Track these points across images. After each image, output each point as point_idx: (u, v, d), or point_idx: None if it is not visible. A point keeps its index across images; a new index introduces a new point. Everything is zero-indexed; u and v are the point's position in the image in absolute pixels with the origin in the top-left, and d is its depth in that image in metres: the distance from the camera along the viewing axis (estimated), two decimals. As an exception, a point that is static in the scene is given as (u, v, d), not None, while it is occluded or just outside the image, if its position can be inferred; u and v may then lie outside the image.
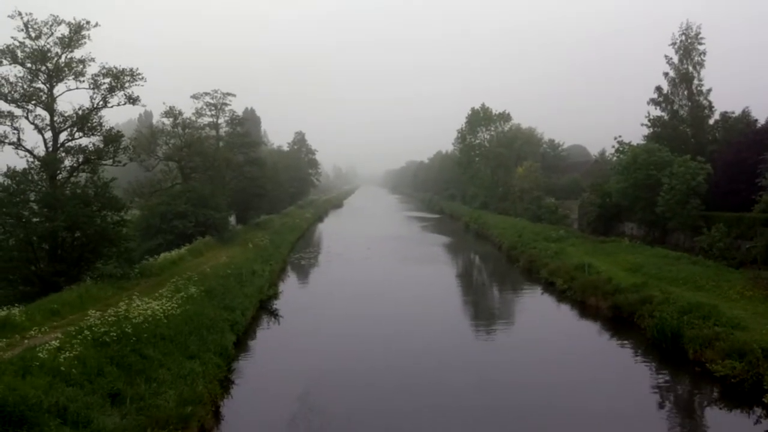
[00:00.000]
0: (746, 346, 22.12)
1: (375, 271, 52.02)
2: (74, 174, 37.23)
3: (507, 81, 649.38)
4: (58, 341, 19.61)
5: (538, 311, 37.63)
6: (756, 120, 55.09)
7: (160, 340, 22.78)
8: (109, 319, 22.52)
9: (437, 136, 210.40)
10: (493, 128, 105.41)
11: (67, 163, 37.15)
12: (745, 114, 56.64)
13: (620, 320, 31.97)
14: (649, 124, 61.06)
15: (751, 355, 21.50)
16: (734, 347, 22.57)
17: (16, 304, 25.64)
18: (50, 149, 36.37)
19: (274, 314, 36.01)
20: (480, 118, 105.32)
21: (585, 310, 35.33)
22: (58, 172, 36.30)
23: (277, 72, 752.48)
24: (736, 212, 42.92)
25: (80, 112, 36.98)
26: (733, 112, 57.41)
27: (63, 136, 36.99)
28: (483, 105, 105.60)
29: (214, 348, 24.47)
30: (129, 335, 21.56)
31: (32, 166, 35.35)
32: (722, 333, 24.06)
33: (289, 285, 47.99)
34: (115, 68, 38.35)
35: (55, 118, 36.49)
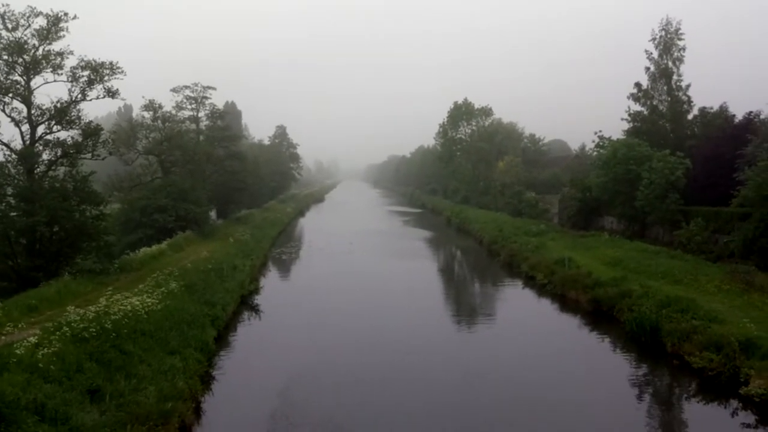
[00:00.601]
0: (723, 339, 22.42)
1: (357, 266, 51.99)
2: (52, 168, 36.76)
3: (491, 78, 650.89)
4: (35, 337, 19.37)
5: (518, 305, 37.87)
6: (734, 115, 55.71)
7: (140, 335, 22.60)
8: (89, 314, 22.25)
9: (419, 131, 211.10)
10: (474, 123, 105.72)
11: (45, 156, 36.67)
12: (723, 109, 57.30)
13: (600, 314, 32.25)
14: (629, 119, 61.56)
15: (728, 348, 21.81)
16: (711, 340, 22.87)
17: (-7, 300, 25.33)
18: (27, 142, 35.90)
19: (255, 309, 35.87)
20: (462, 112, 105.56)
21: (565, 304, 35.58)
22: (36, 165, 35.82)
23: (259, 66, 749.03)
24: (714, 206, 43.43)
25: (58, 105, 36.53)
26: (712, 108, 58.14)
27: (41, 130, 36.53)
28: (465, 99, 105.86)
29: (194, 343, 24.33)
30: (109, 331, 21.35)
31: (9, 159, 34.90)
32: (700, 326, 24.36)
33: (271, 280, 47.84)
34: (94, 61, 37.93)
35: (33, 111, 36.04)
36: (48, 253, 34.29)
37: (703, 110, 58.57)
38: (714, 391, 21.21)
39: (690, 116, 60.11)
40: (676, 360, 24.03)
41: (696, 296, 28.68)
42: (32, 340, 19.00)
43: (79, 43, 38.30)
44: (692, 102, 59.88)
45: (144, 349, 21.64)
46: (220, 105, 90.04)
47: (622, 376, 23.81)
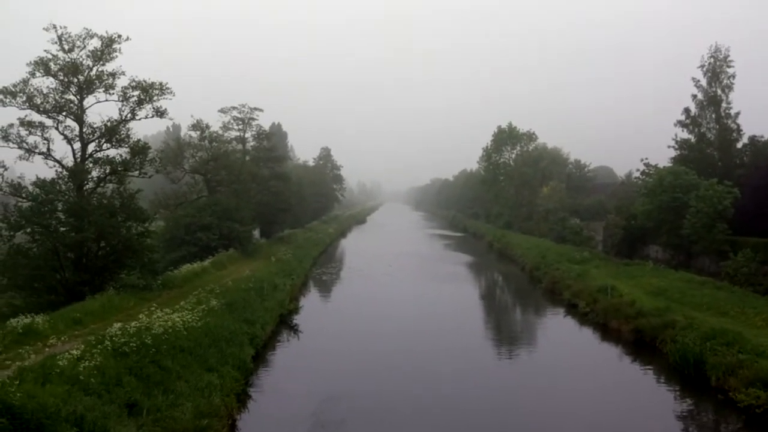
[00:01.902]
0: (772, 374, 21.69)
1: (397, 289, 51.90)
2: (101, 184, 37.78)
3: (536, 91, 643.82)
4: (78, 350, 19.83)
5: (560, 334, 37.27)
6: (785, 144, 54.33)
7: (179, 351, 22.92)
8: (130, 329, 22.70)
9: (464, 149, 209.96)
10: (518, 147, 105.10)
11: (95, 173, 37.72)
12: (774, 138, 55.92)
13: (642, 344, 31.55)
14: (676, 146, 60.54)
15: (777, 384, 21.08)
16: (759, 376, 22.10)
17: (41, 312, 25.97)
18: (78, 160, 36.99)
19: (293, 329, 36.06)
20: (506, 136, 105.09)
21: (607, 333, 34.91)
22: (86, 182, 36.86)
23: (304, 85, 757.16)
24: (764, 237, 42.25)
25: (109, 124, 37.61)
26: (762, 136, 56.70)
27: (91, 147, 37.62)
28: (510, 124, 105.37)
29: (232, 361, 24.55)
30: (149, 346, 21.72)
31: (61, 176, 35.97)
32: (746, 361, 23.59)
33: (310, 300, 48.07)
34: (144, 82, 38.95)
35: (84, 129, 37.15)
36: (94, 267, 35.14)
37: (753, 139, 57.25)
38: (761, 430, 20.46)
39: (739, 145, 58.79)
40: (720, 395, 23.29)
41: (743, 329, 27.84)
42: (75, 352, 19.45)
43: (128, 59, 39.42)
44: (741, 130, 58.59)
45: (182, 366, 21.90)
46: (267, 125, 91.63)
47: (664, 410, 23.17)
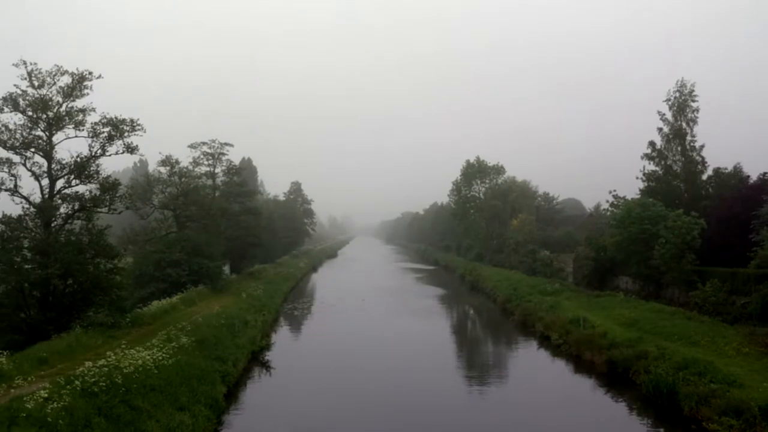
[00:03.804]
0: (743, 404, 21.91)
1: (369, 324, 51.63)
2: (69, 221, 37.19)
3: (506, 128, 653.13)
4: (46, 391, 19.32)
5: (532, 366, 37.31)
6: (748, 176, 55.70)
7: (150, 390, 22.46)
8: (99, 368, 22.20)
9: (434, 184, 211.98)
10: (487, 180, 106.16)
11: (63, 210, 37.12)
12: (737, 170, 57.41)
13: (615, 375, 31.68)
14: (644, 178, 61.77)
15: (748, 413, 21.29)
16: (731, 405, 22.34)
17: (4, 352, 25.27)
18: (46, 196, 36.41)
19: (266, 366, 35.59)
20: (475, 170, 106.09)
21: (580, 365, 35.02)
22: (53, 219, 36.26)
23: (275, 119, 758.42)
24: (730, 267, 43.00)
25: (78, 160, 37.14)
26: (726, 168, 58.23)
27: (60, 184, 37.07)
28: (478, 158, 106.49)
29: (204, 400, 24.15)
30: (119, 385, 21.26)
31: (27, 212, 35.37)
32: (718, 390, 23.86)
33: (282, 336, 47.52)
34: (115, 118, 38.60)
35: (53, 166, 36.64)
36: (60, 305, 34.42)
37: (717, 171, 58.73)
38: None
39: (704, 176, 60.24)
40: (693, 425, 23.43)
41: (714, 359, 28.17)
42: (42, 393, 18.95)
43: (98, 95, 39.13)
44: (706, 162, 60.17)
45: (153, 405, 21.45)
46: (237, 161, 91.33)
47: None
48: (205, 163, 77.57)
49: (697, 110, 60.05)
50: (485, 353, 43.81)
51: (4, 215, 34.50)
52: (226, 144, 78.29)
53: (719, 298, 40.80)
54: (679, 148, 60.39)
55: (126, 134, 38.77)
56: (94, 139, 38.13)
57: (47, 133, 36.70)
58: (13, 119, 36.04)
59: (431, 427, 24.88)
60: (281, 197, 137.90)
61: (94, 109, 37.92)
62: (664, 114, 60.77)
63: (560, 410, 27.26)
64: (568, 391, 31.24)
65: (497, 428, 25.04)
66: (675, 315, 39.44)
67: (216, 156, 78.06)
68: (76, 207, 37.11)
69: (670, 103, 60.45)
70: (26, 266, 33.89)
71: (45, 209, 35.45)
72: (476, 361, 40.01)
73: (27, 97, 36.05)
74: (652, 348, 31.27)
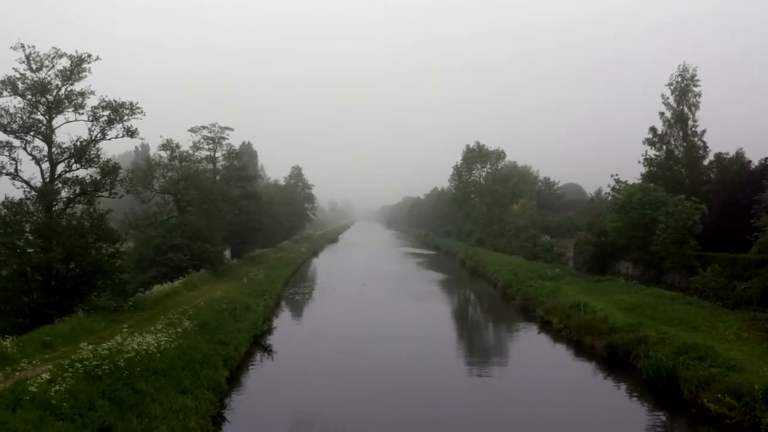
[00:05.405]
0: (743, 387, 21.97)
1: (369, 308, 51.73)
2: (70, 205, 37.21)
3: (505, 114, 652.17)
4: (49, 374, 19.37)
5: (533, 350, 37.43)
6: (750, 161, 55.69)
7: (152, 374, 22.54)
8: (102, 352, 22.29)
9: (435, 168, 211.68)
10: (488, 165, 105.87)
11: (64, 194, 37.14)
12: (739, 155, 57.31)
13: (616, 360, 31.80)
14: (645, 163, 61.66)
15: (748, 397, 21.37)
16: (730, 389, 22.40)
17: (8, 336, 25.38)
18: (47, 180, 36.41)
19: (267, 350, 35.73)
20: (475, 155, 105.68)
21: (580, 350, 35.14)
22: (55, 203, 36.26)
23: (276, 104, 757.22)
24: (731, 252, 43.07)
25: (78, 144, 37.10)
26: (728, 153, 58.17)
27: (60, 168, 37.07)
28: (478, 142, 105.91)
29: (207, 383, 24.22)
30: (122, 369, 21.33)
31: (29, 196, 35.37)
32: (718, 374, 23.94)
33: (283, 320, 47.67)
34: (115, 101, 38.54)
35: (53, 150, 36.62)
36: (63, 289, 34.47)
37: (719, 156, 58.63)
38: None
39: (706, 162, 60.21)
40: (693, 408, 23.55)
41: (714, 343, 28.23)
42: (45, 376, 18.99)
43: (99, 81, 39.04)
44: (708, 148, 60.17)
45: (156, 388, 21.54)
46: (237, 145, 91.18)
47: (638, 424, 23.36)
48: (206, 147, 77.67)
49: (699, 95, 59.99)
50: (486, 338, 43.94)
51: (6, 199, 34.48)
52: (226, 128, 78.33)
53: (720, 284, 40.89)
54: (680, 133, 60.31)
55: (126, 118, 38.75)
56: (94, 122, 38.12)
57: (47, 117, 36.65)
58: (13, 103, 36.03)
59: (432, 410, 24.99)
60: (282, 182, 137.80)
61: (93, 92, 37.91)
62: (667, 98, 60.61)
63: (561, 395, 27.36)
64: (568, 375, 31.33)
65: (497, 412, 25.13)
66: (675, 300, 39.51)
67: (216, 140, 78.06)
68: (76, 191, 37.10)
69: (672, 87, 60.26)
70: (28, 250, 33.90)
71: (46, 193, 35.45)
72: (477, 345, 40.16)
73: (26, 81, 35.95)
74: (652, 333, 31.36)
